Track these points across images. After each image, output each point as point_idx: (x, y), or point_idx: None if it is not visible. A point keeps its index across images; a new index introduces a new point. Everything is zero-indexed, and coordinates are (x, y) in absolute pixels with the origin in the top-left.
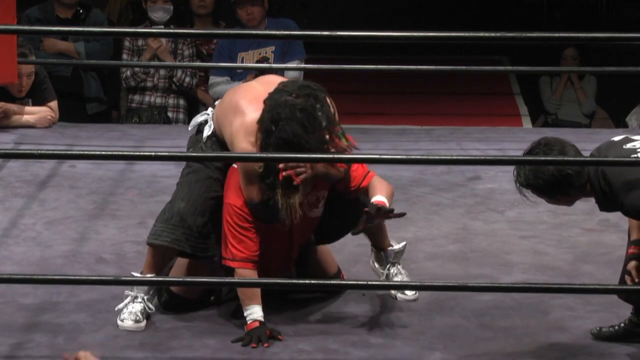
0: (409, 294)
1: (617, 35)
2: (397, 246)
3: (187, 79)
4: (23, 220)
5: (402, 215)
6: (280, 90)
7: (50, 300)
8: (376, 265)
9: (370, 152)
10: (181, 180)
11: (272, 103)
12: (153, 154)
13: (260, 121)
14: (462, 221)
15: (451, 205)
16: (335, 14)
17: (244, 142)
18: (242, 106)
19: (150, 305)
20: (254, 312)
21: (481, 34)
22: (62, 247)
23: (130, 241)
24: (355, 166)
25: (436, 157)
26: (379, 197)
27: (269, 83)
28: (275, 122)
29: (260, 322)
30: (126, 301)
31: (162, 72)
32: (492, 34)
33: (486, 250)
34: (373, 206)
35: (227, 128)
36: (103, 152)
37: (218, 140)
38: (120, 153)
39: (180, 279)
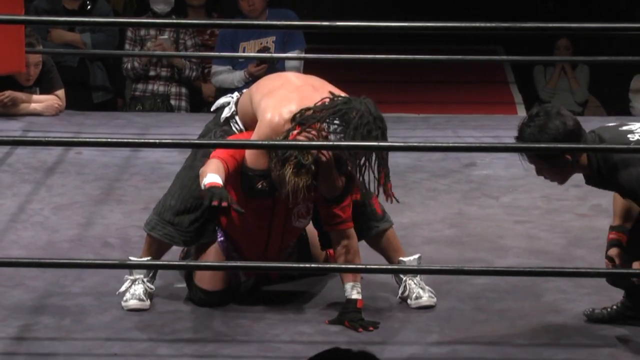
0: (425, 299)
1: (609, 25)
2: (409, 258)
3: (191, 72)
4: (31, 206)
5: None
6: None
7: (57, 283)
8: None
9: None
10: (178, 174)
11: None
12: (157, 141)
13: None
14: (458, 206)
15: (447, 191)
16: (335, 4)
17: (274, 113)
18: (292, 93)
19: (151, 285)
20: (211, 177)
21: (477, 24)
22: (69, 232)
23: (135, 226)
24: (339, 209)
25: (432, 145)
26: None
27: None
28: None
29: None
30: (127, 284)
31: (164, 61)
32: (488, 25)
33: (481, 235)
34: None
35: (261, 101)
36: (109, 140)
37: (235, 126)
38: (125, 140)
39: (183, 263)
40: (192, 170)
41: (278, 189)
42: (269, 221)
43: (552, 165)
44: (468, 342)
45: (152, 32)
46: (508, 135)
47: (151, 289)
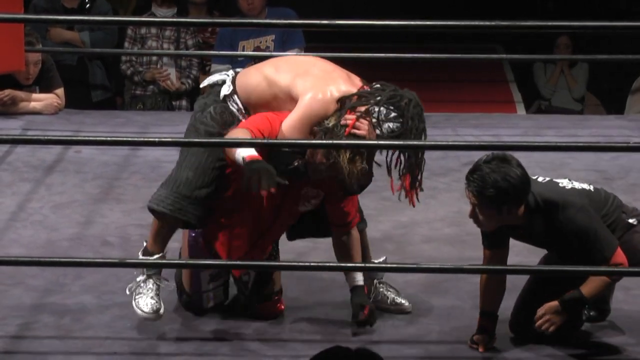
0: (405, 303)
1: (608, 24)
2: (379, 260)
3: (194, 72)
4: (30, 204)
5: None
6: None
7: (57, 281)
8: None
9: None
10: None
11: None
12: (157, 139)
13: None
14: (458, 205)
15: (447, 190)
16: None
17: (315, 93)
18: (321, 74)
19: (165, 282)
20: (247, 150)
21: (476, 23)
22: (68, 230)
23: (134, 224)
24: (350, 204)
25: (432, 143)
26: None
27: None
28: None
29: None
30: (139, 281)
31: (165, 59)
32: (487, 23)
33: (480, 234)
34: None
35: (285, 80)
36: (109, 138)
37: (233, 104)
38: (125, 139)
39: (182, 262)
40: (200, 136)
41: (315, 174)
42: (279, 202)
43: (495, 214)
44: (468, 341)
45: (153, 30)
46: (507, 133)
47: (166, 282)
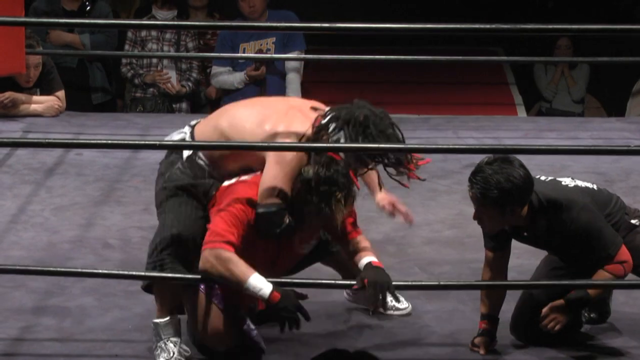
0: (402, 307)
1: (609, 27)
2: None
3: (194, 75)
4: (31, 207)
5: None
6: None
7: (57, 284)
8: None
9: None
10: (162, 208)
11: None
12: (157, 142)
13: (338, 117)
14: (458, 207)
15: (447, 192)
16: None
17: (289, 138)
18: (272, 109)
19: (186, 348)
20: (262, 283)
21: (476, 26)
22: (69, 233)
23: (135, 227)
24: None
25: (433, 147)
26: (371, 258)
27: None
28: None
29: (281, 291)
30: (160, 345)
31: (165, 62)
32: (488, 26)
33: (481, 236)
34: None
35: (248, 129)
36: (109, 141)
37: (199, 160)
38: (126, 142)
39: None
40: (179, 197)
41: (305, 222)
42: (276, 254)
43: (499, 214)
44: (469, 343)
45: (154, 33)
46: (508, 136)
47: (186, 352)
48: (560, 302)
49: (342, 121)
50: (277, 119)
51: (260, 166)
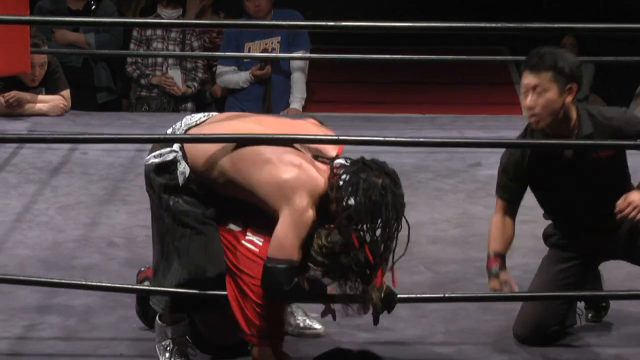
0: (318, 327)
1: (615, 26)
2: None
3: (199, 74)
4: (36, 206)
5: None
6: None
7: (62, 282)
8: None
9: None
10: (181, 243)
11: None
12: (162, 136)
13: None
14: (463, 206)
15: (452, 191)
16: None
17: (304, 199)
18: (279, 155)
19: (192, 348)
20: None
21: (482, 25)
22: (74, 232)
23: (140, 225)
24: None
25: (438, 140)
26: None
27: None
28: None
29: None
30: (165, 345)
31: (170, 61)
32: (493, 25)
33: (486, 235)
34: None
35: (256, 176)
36: (117, 136)
37: (199, 185)
38: (131, 136)
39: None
40: (184, 226)
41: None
42: None
43: (562, 88)
44: (473, 342)
45: (159, 32)
46: (513, 135)
47: (192, 353)
48: (636, 193)
49: (357, 188)
50: (291, 172)
51: (266, 210)
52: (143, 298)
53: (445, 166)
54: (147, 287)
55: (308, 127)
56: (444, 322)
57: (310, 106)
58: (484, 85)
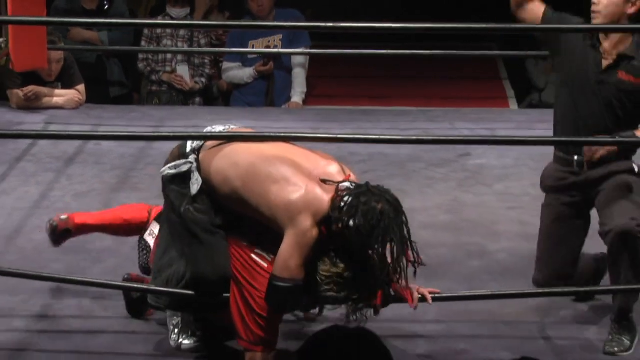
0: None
1: (600, 26)
2: None
3: (207, 70)
4: (53, 193)
5: None
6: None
7: (77, 265)
8: None
9: (371, 131)
10: (188, 249)
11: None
12: (171, 134)
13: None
14: (454, 194)
15: (444, 180)
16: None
17: (308, 220)
18: (288, 176)
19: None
20: None
21: (473, 26)
22: None
23: None
24: None
25: (430, 138)
26: None
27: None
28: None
29: None
30: (176, 323)
31: (179, 57)
32: (484, 26)
33: (476, 221)
34: None
35: (265, 195)
36: (126, 134)
37: (211, 196)
38: (140, 134)
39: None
40: (194, 236)
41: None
42: None
43: None
44: (463, 321)
45: (169, 30)
46: (501, 127)
47: (199, 330)
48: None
49: (356, 210)
50: (297, 193)
51: (275, 229)
52: (131, 298)
53: (436, 156)
54: (156, 289)
55: (320, 155)
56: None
57: (311, 100)
58: (474, 80)
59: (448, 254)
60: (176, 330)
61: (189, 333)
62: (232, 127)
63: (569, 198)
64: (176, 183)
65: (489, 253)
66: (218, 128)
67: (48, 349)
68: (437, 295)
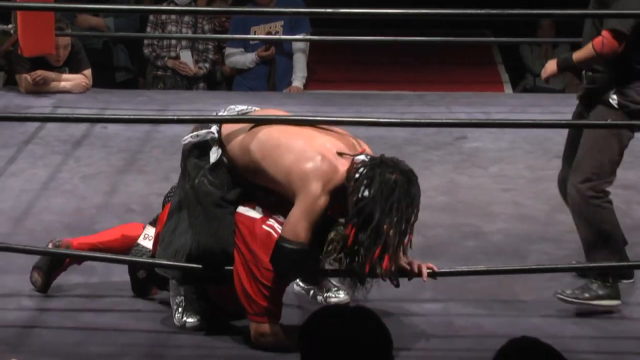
0: (342, 296)
1: (592, 12)
2: None
3: (210, 56)
4: (61, 175)
5: None
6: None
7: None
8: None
9: (369, 115)
10: (195, 220)
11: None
12: (176, 117)
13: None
14: (450, 176)
15: (440, 162)
16: None
17: (319, 188)
18: (305, 149)
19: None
20: None
21: (469, 12)
22: (95, 199)
23: (155, 193)
24: None
25: (427, 121)
26: None
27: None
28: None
29: None
30: (179, 302)
31: (183, 43)
32: (479, 12)
33: (471, 202)
34: None
35: (282, 164)
36: (132, 116)
37: (226, 168)
38: (146, 117)
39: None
40: (205, 209)
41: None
42: None
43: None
44: (459, 299)
45: (173, 16)
46: (496, 110)
47: (203, 308)
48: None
49: (371, 181)
50: (312, 162)
51: (288, 197)
52: (137, 277)
53: (433, 139)
54: (157, 262)
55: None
56: (432, 280)
57: (311, 84)
58: (469, 65)
59: (444, 234)
60: (180, 309)
61: (192, 311)
62: (255, 108)
63: (580, 108)
64: (195, 154)
65: (484, 234)
66: (239, 107)
67: (56, 326)
68: (434, 271)
